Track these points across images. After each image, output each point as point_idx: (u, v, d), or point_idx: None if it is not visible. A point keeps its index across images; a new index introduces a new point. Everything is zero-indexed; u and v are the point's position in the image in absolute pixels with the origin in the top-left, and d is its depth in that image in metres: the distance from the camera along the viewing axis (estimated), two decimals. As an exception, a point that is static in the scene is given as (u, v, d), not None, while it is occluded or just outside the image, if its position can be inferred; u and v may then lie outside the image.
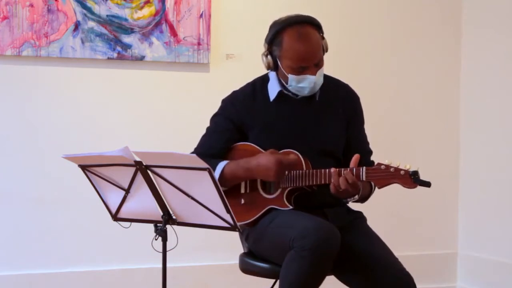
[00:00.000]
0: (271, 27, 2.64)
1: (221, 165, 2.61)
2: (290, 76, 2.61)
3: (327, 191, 2.51)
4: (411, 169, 2.38)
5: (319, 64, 2.61)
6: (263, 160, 2.54)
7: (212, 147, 2.69)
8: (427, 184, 2.37)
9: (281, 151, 2.61)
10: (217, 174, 2.58)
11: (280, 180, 2.56)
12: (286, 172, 2.55)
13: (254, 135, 2.68)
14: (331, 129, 2.69)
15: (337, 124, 2.71)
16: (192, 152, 2.70)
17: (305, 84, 2.60)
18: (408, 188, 2.40)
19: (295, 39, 2.57)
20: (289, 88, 2.65)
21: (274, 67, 2.66)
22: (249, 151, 2.66)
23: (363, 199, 2.65)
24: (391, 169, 2.40)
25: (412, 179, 2.37)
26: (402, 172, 2.39)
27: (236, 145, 2.70)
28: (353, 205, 2.70)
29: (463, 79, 4.39)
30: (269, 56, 2.64)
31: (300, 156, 2.58)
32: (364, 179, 2.45)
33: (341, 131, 2.72)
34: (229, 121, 2.70)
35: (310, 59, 2.58)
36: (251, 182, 2.65)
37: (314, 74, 2.59)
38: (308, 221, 2.41)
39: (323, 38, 2.64)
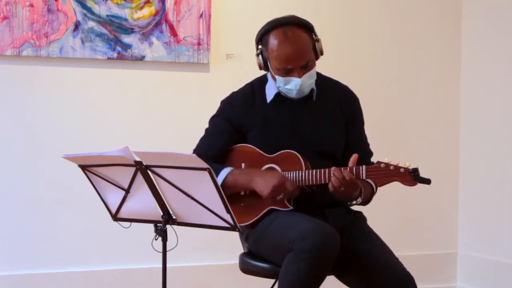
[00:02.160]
0: (262, 27, 2.64)
1: (223, 172, 2.60)
2: (277, 77, 2.61)
3: (327, 192, 2.51)
4: (411, 167, 2.38)
5: (307, 67, 2.58)
6: (269, 175, 2.53)
7: (211, 149, 2.68)
8: (427, 181, 2.37)
9: (280, 152, 2.61)
10: (219, 181, 2.57)
11: (270, 199, 2.54)
12: (282, 195, 2.53)
13: (252, 136, 2.68)
14: (329, 130, 2.69)
15: (336, 125, 2.71)
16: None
17: (291, 86, 2.59)
18: (408, 185, 2.39)
19: (279, 40, 2.56)
20: (279, 89, 2.65)
21: (265, 67, 2.66)
22: (249, 152, 2.66)
23: (365, 201, 2.65)
24: (391, 167, 2.40)
25: (412, 177, 2.37)
26: (402, 170, 2.39)
27: (236, 146, 2.70)
28: (354, 206, 2.70)
29: (463, 79, 4.39)
30: (260, 56, 2.65)
31: (300, 157, 2.57)
32: (364, 177, 2.44)
33: (339, 133, 2.71)
34: (228, 122, 2.69)
35: (295, 61, 2.56)
36: None
37: (300, 76, 2.57)
38: (308, 223, 2.41)
39: (317, 40, 2.62)
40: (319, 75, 2.69)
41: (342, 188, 2.45)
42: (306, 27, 2.60)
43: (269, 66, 2.63)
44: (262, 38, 2.62)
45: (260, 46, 2.64)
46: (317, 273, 2.36)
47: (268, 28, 2.60)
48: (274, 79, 2.64)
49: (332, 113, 2.71)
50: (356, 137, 2.75)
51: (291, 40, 2.56)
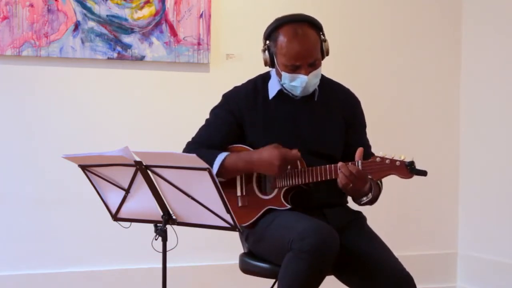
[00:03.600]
0: (271, 23, 2.64)
1: (221, 155, 2.59)
2: (283, 74, 2.60)
3: (327, 191, 2.51)
4: (407, 160, 2.38)
5: (314, 65, 2.59)
6: (266, 154, 2.53)
7: (211, 139, 2.67)
8: (423, 173, 2.37)
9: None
10: (217, 164, 2.56)
11: (282, 174, 2.55)
12: (289, 167, 2.54)
13: (251, 133, 2.67)
14: (328, 131, 2.69)
15: (335, 127, 2.70)
16: (189, 141, 2.69)
17: (297, 84, 2.59)
18: (404, 178, 2.39)
19: (290, 37, 2.57)
20: (283, 85, 2.65)
21: (271, 63, 2.66)
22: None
23: (374, 199, 2.62)
24: (387, 161, 2.39)
25: (408, 169, 2.37)
26: (397, 163, 2.38)
27: (231, 147, 2.68)
28: (353, 205, 2.70)
29: (463, 79, 4.39)
30: (266, 52, 2.65)
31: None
32: None
33: (339, 134, 2.70)
34: (230, 114, 2.68)
35: (304, 58, 2.56)
36: (246, 184, 2.64)
37: (307, 74, 2.57)
38: (307, 223, 2.41)
39: (324, 40, 2.63)
40: (321, 76, 2.68)
41: (351, 185, 2.44)
42: (315, 26, 2.62)
43: (276, 62, 2.63)
44: (271, 34, 2.62)
45: (268, 42, 2.64)
46: (316, 272, 2.36)
47: (278, 24, 2.60)
48: (279, 75, 2.64)
49: (332, 114, 2.71)
50: (357, 139, 2.73)
51: (301, 38, 2.56)
